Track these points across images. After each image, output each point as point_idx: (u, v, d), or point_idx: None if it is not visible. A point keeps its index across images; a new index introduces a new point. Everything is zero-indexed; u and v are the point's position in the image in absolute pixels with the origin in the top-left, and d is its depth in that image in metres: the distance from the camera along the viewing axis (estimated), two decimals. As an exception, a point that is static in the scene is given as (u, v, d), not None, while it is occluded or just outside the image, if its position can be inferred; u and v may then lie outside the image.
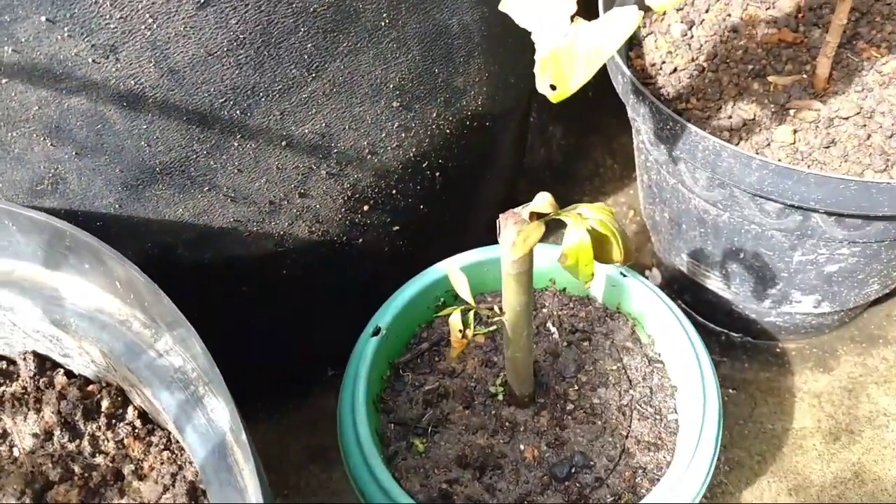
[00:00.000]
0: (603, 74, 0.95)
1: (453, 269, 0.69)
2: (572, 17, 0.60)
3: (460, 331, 0.67)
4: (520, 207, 0.61)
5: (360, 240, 0.91)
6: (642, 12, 0.58)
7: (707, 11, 0.99)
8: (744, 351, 1.10)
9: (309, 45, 0.70)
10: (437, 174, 0.92)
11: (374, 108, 0.79)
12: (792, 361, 1.08)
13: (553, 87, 0.64)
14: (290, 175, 0.79)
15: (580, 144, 1.37)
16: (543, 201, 0.56)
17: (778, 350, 1.10)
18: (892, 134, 0.84)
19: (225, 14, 0.64)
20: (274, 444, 1.07)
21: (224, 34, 0.65)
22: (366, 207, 0.88)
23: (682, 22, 0.99)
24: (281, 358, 1.05)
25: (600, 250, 0.57)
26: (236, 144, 0.73)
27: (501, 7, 0.63)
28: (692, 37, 0.98)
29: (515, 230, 0.60)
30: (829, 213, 0.80)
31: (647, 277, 1.17)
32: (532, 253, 0.64)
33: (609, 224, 0.55)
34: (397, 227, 0.94)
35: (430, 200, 0.95)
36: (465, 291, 0.69)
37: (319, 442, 1.06)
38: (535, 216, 0.58)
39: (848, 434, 1.01)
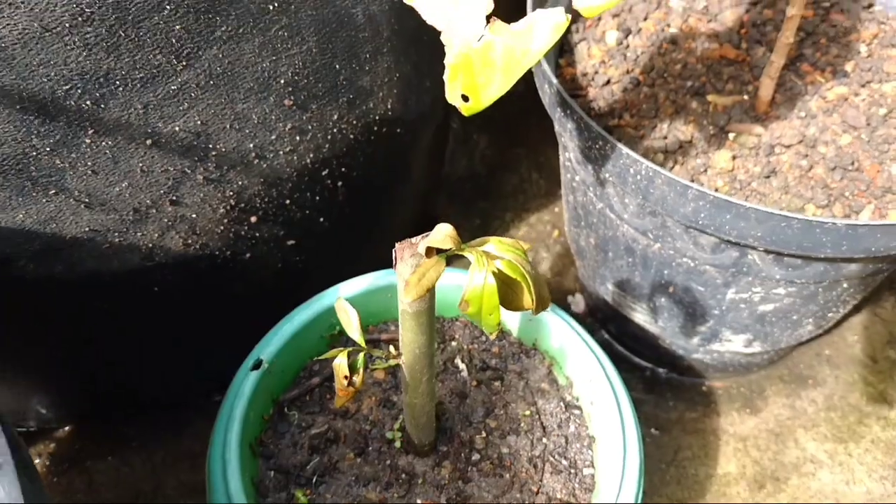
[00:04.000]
0: (532, 82, 0.86)
1: (341, 303, 0.59)
2: (489, 18, 0.51)
3: (346, 377, 0.56)
4: (418, 238, 0.51)
5: (248, 255, 0.80)
6: (569, 16, 0.49)
7: (645, 19, 0.91)
8: (669, 388, 1.03)
9: (177, 28, 0.58)
10: (340, 184, 0.81)
11: (262, 106, 0.68)
12: (719, 401, 1.01)
13: (465, 98, 0.55)
14: (158, 179, 0.67)
15: (505, 157, 1.28)
16: (443, 234, 0.46)
17: (704, 388, 1.03)
18: (836, 166, 0.77)
19: (65, -19, 0.52)
20: (147, 478, 0.94)
21: (64, 6, 0.53)
22: (253, 219, 0.77)
23: (617, 29, 0.90)
24: (157, 383, 0.93)
25: (509, 296, 0.47)
26: (88, 141, 0.61)
27: (407, 0, 0.52)
28: (628, 46, 0.89)
29: (411, 265, 0.50)
30: (768, 251, 0.73)
31: (569, 303, 1.08)
32: (433, 290, 0.55)
33: (519, 266, 0.45)
34: (292, 242, 0.83)
35: (331, 213, 0.84)
36: (354, 329, 0.58)
37: (198, 477, 0.94)
38: (434, 251, 0.48)
39: (773, 482, 0.95)
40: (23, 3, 0.51)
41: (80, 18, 0.54)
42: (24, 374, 0.82)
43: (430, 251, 0.47)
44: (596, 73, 0.87)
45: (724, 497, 0.93)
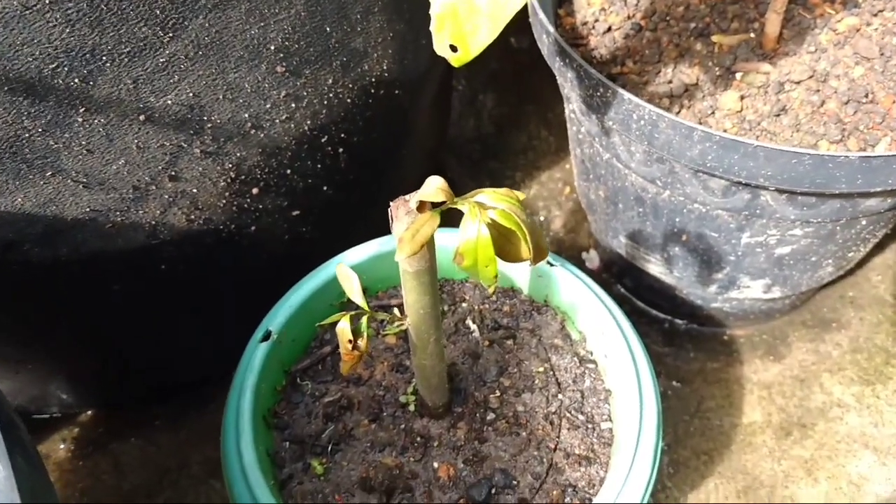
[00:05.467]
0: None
1: (342, 268, 0.58)
2: (471, -38, 0.49)
3: (350, 341, 0.56)
4: (411, 195, 0.50)
5: (253, 227, 0.79)
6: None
7: (645, -37, 0.88)
8: (689, 339, 1.01)
9: (160, -2, 0.57)
10: (341, 150, 0.80)
11: (254, 74, 0.67)
12: (741, 350, 1.00)
13: (454, 49, 0.53)
14: (154, 155, 0.66)
15: (513, 114, 1.26)
16: (434, 187, 0.45)
17: (726, 337, 1.01)
18: (849, 100, 0.75)
19: (39, -45, 0.51)
20: (172, 455, 0.95)
21: (42, -19, 0.52)
22: (255, 190, 0.76)
23: (616, -25, 0.88)
24: (174, 361, 0.93)
25: (505, 247, 0.46)
26: (80, 120, 0.61)
27: (386, -51, 0.51)
28: (628, -9, 0.87)
29: (407, 223, 0.49)
30: (781, 191, 0.71)
31: (584, 260, 1.07)
32: (432, 246, 0.54)
33: (514, 215, 0.44)
34: (298, 212, 0.82)
35: (334, 180, 0.83)
36: (356, 293, 0.57)
37: (222, 452, 0.95)
38: (428, 205, 0.47)
39: (800, 428, 0.93)
40: (-2, -20, 0.51)
41: (58, -7, 0.53)
42: (41, 360, 0.82)
43: (422, 206, 0.46)
44: (596, 20, 0.85)
45: (749, 446, 0.92)
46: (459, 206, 0.46)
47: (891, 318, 1.01)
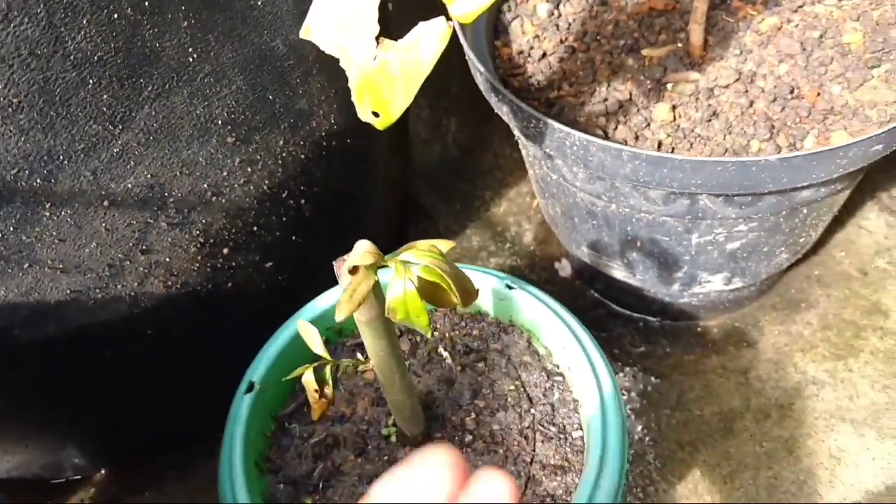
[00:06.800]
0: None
1: (302, 324, 0.62)
2: (377, 39, 0.54)
3: (316, 391, 0.60)
4: (348, 255, 0.54)
5: (230, 284, 0.84)
6: (451, 23, 0.51)
7: (573, -14, 0.92)
8: (664, 335, 1.05)
9: (105, 97, 0.62)
10: (304, 202, 0.85)
11: (206, 149, 0.71)
12: (715, 339, 1.04)
13: (376, 114, 0.58)
14: (123, 234, 0.71)
15: (477, 135, 1.30)
16: (362, 251, 0.49)
17: (699, 329, 1.05)
18: (776, 97, 0.79)
19: (-15, 79, 0.55)
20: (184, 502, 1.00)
21: (-8, 100, 0.57)
22: (225, 250, 0.80)
23: (547, 1, 0.92)
24: (173, 415, 0.98)
25: (435, 295, 0.50)
26: (48, 214, 0.65)
27: (303, 35, 0.55)
28: (559, 16, 0.91)
29: (347, 280, 0.53)
30: (716, 195, 0.75)
31: (557, 269, 1.11)
32: (380, 295, 0.58)
33: (436, 269, 0.48)
34: (270, 264, 0.87)
35: (302, 230, 0.87)
36: (317, 346, 0.62)
37: (232, 495, 0.99)
38: (362, 266, 0.51)
39: (778, 409, 0.97)
40: (-48, 104, 0.55)
41: (10, 109, 0.58)
42: (46, 431, 0.87)
43: (354, 269, 0.50)
44: (531, 48, 0.89)
45: (731, 432, 0.96)
46: (388, 265, 0.50)
47: (857, 292, 1.05)
